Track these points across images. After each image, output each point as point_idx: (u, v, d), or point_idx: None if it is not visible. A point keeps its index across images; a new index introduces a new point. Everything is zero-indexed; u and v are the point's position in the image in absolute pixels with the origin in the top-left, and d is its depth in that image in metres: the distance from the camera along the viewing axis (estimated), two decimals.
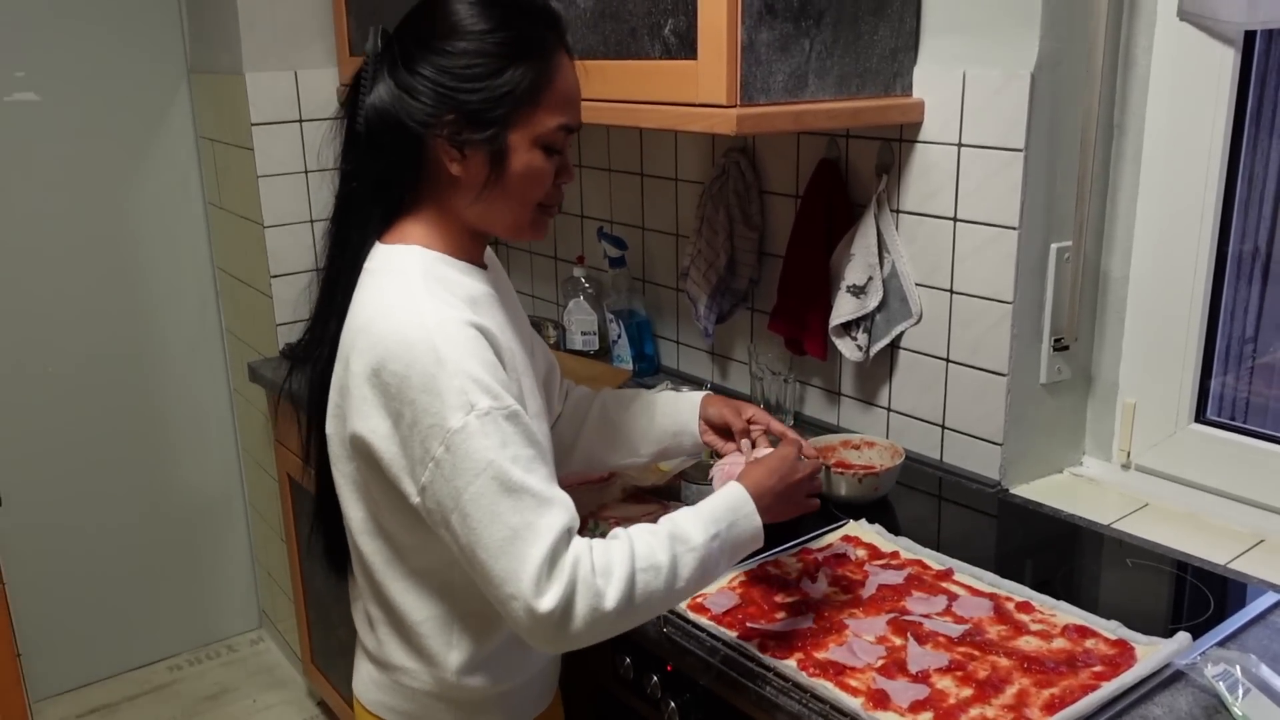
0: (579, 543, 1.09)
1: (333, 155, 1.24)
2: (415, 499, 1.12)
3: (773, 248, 2.01)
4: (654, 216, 2.27)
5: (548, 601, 1.05)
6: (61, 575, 2.85)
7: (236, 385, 2.94)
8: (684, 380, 2.22)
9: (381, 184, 1.19)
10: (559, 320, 2.47)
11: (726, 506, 1.19)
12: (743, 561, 1.41)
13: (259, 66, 2.41)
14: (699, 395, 1.48)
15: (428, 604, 1.23)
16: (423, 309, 1.11)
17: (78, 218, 2.68)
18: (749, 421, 1.42)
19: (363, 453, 1.16)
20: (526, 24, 1.16)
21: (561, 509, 1.10)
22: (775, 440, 1.40)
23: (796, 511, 1.27)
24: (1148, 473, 1.71)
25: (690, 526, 1.15)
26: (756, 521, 1.20)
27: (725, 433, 1.45)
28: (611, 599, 1.07)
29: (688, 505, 1.60)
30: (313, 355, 1.24)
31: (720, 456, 1.44)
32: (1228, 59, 1.51)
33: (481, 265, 1.27)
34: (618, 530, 1.14)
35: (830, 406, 1.99)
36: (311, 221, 2.54)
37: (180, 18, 2.70)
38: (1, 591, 1.87)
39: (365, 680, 1.35)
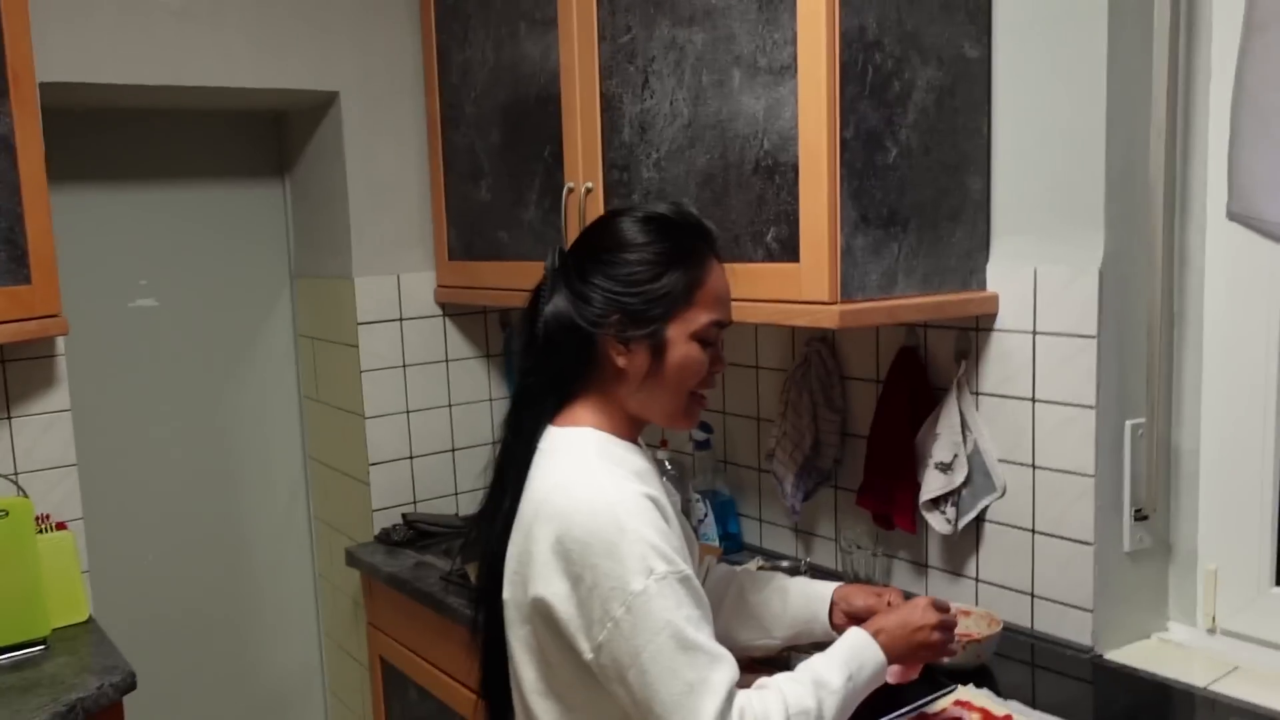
0: (740, 694, 1.22)
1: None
2: (588, 655, 1.23)
3: (855, 429, 2.15)
4: (735, 402, 2.43)
5: None
6: None
7: (322, 570, 3.04)
8: (768, 556, 2.32)
9: (556, 377, 1.37)
10: None
11: (853, 649, 1.34)
12: None
13: (366, 271, 2.64)
14: (831, 586, 1.60)
15: None
16: (602, 482, 1.27)
17: (185, 411, 2.85)
18: (889, 604, 1.54)
19: (542, 615, 1.28)
20: (681, 235, 1.37)
21: (729, 665, 1.22)
22: None
23: (921, 658, 1.42)
24: (1234, 636, 1.79)
25: (828, 672, 1.29)
26: (880, 657, 1.34)
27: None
28: None
29: None
30: (488, 531, 1.38)
31: None
32: (1276, 254, 1.69)
33: (638, 444, 1.43)
34: (764, 680, 1.27)
35: (918, 578, 2.08)
36: (408, 413, 2.71)
37: (287, 230, 2.95)
38: None
39: None
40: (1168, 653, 1.82)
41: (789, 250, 1.74)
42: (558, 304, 1.35)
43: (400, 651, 2.51)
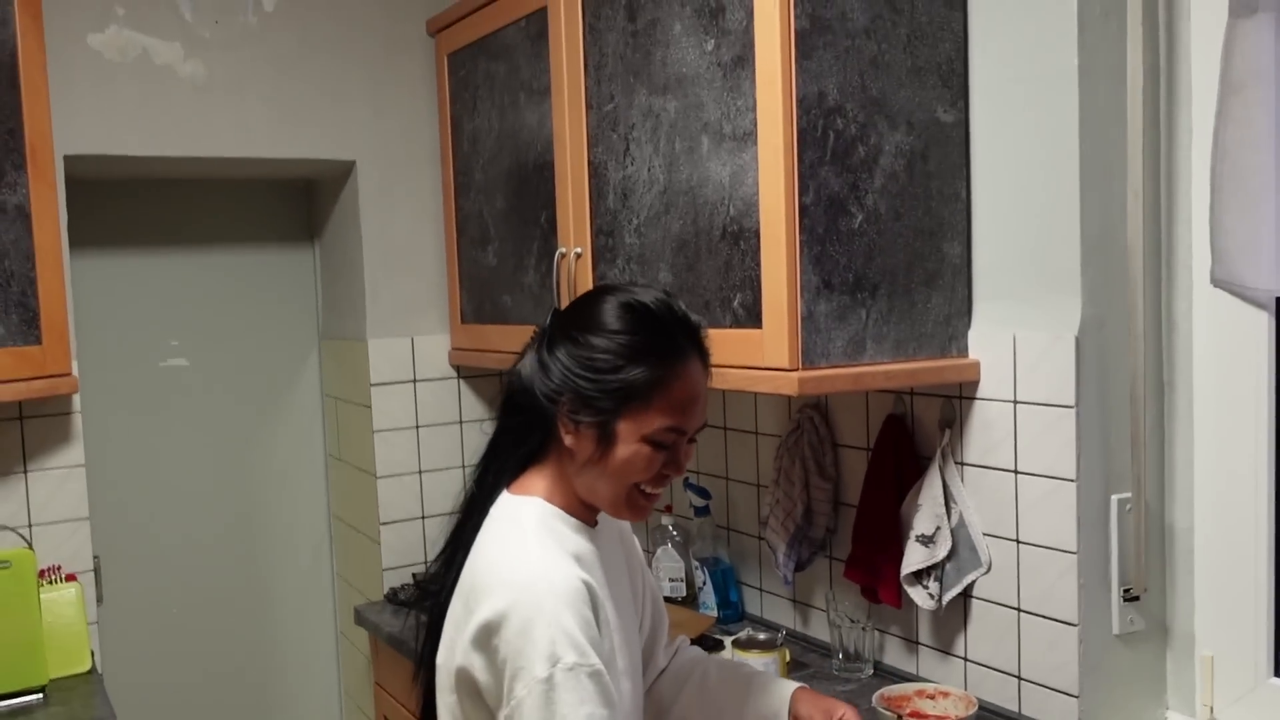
0: None
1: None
2: None
3: (847, 498, 2.10)
4: (736, 467, 2.40)
5: None
6: None
7: (343, 628, 3.07)
8: (766, 626, 2.26)
9: (517, 438, 1.36)
10: (649, 566, 2.56)
11: None
12: None
13: (380, 333, 2.70)
14: (792, 688, 1.53)
15: None
16: (531, 559, 1.25)
17: (214, 467, 2.94)
18: None
19: (465, 685, 1.26)
20: (659, 331, 1.30)
21: None
22: None
23: None
24: None
25: None
26: None
27: None
28: None
29: None
30: (438, 584, 1.37)
31: None
32: (1261, 321, 1.61)
33: (591, 523, 1.38)
34: None
35: (909, 655, 2.01)
36: (420, 473, 2.74)
37: (316, 293, 3.04)
38: None
39: None
40: None
41: (753, 316, 1.72)
42: (525, 367, 1.34)
43: (402, 713, 2.51)
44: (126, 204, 2.80)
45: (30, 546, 2.22)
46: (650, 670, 1.58)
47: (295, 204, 3.02)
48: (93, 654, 2.25)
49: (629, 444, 1.28)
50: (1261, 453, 1.63)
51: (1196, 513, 1.73)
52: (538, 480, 1.36)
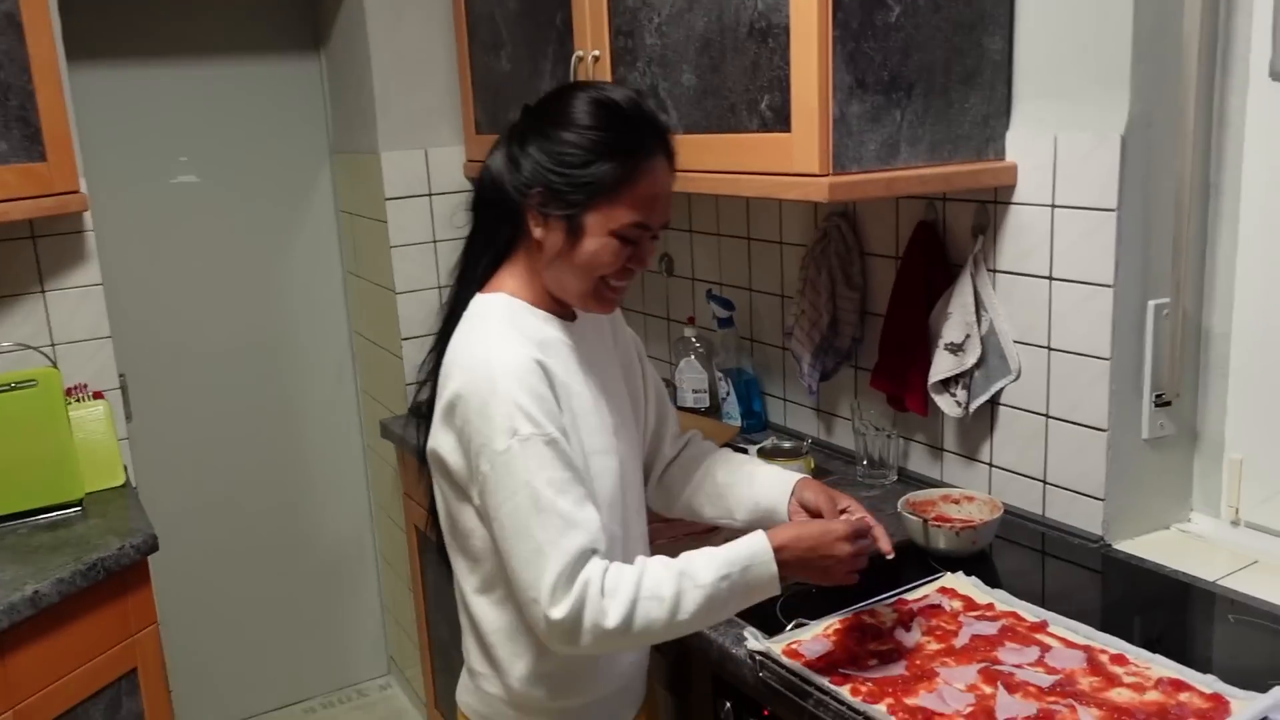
0: (595, 564, 1.24)
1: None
2: (476, 502, 1.31)
3: (874, 307, 2.07)
4: (760, 278, 2.36)
5: (559, 611, 1.21)
6: (210, 619, 3.05)
7: (369, 442, 3.12)
8: (790, 436, 2.28)
9: (489, 234, 1.39)
10: (671, 379, 2.56)
11: (746, 552, 1.28)
12: (838, 610, 1.47)
13: (393, 146, 2.62)
14: (795, 478, 1.53)
15: (497, 614, 1.37)
16: (489, 344, 1.31)
17: (230, 286, 2.93)
18: (842, 512, 1.47)
19: (440, 468, 1.34)
20: (628, 128, 1.31)
21: (583, 531, 1.24)
22: None
23: (828, 581, 1.33)
24: (1257, 529, 1.70)
25: (702, 566, 1.27)
26: (773, 570, 1.28)
27: (818, 517, 1.51)
28: (613, 619, 1.22)
29: None
30: (428, 381, 1.42)
31: None
32: None
33: (566, 316, 1.41)
34: (641, 558, 1.28)
35: (933, 462, 2.02)
36: (439, 287, 2.72)
37: (324, 105, 2.94)
38: (155, 631, 2.04)
39: (461, 684, 1.51)
40: (1184, 544, 1.73)
41: (781, 119, 1.65)
42: (496, 162, 1.37)
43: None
44: (123, 12, 2.67)
45: (55, 365, 2.22)
46: (658, 460, 1.62)
47: (299, 10, 2.88)
48: (125, 468, 2.29)
49: (596, 237, 1.31)
50: None
51: (1235, 317, 1.69)
52: (507, 278, 1.39)
